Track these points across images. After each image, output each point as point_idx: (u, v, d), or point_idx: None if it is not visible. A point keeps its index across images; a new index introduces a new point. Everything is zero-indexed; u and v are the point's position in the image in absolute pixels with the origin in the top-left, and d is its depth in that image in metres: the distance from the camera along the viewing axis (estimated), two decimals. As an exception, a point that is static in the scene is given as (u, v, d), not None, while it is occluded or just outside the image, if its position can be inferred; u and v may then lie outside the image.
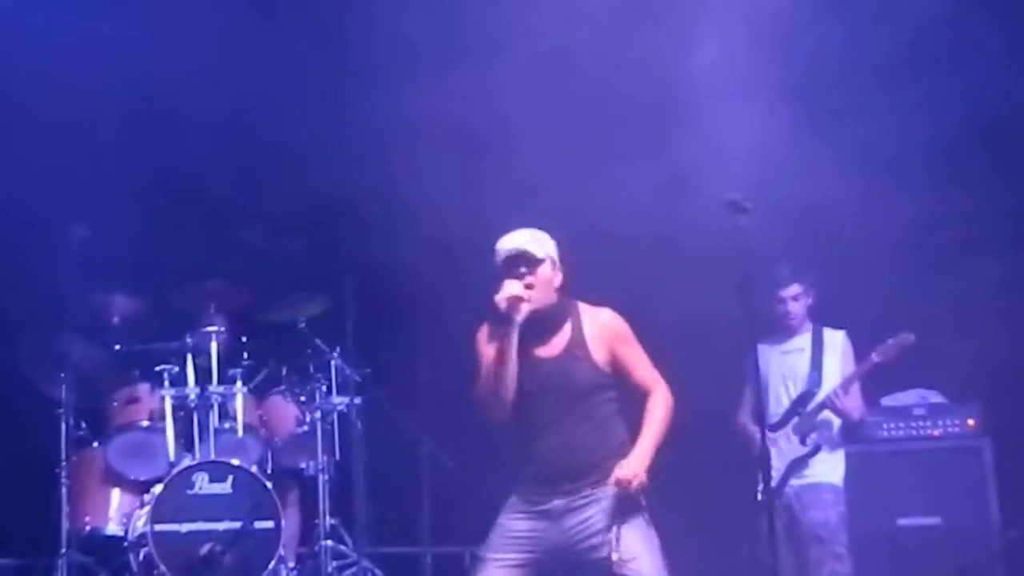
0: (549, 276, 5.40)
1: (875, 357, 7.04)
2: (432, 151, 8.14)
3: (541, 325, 5.38)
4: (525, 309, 5.26)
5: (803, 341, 7.21)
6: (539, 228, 5.52)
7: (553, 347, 5.41)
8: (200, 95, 8.19)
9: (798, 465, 7.00)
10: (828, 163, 7.80)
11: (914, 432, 7.86)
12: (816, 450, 7.02)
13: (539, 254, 5.37)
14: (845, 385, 7.04)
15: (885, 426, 7.97)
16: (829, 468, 7.07)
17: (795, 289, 7.19)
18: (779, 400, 7.14)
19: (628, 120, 7.76)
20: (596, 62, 7.79)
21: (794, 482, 7.00)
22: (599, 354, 5.40)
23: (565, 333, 5.41)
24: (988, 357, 7.56)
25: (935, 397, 8.03)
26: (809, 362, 7.13)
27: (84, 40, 7.77)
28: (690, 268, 7.38)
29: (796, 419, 7.06)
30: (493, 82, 7.72)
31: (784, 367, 7.17)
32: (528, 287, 5.29)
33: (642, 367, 5.47)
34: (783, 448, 7.02)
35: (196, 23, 7.96)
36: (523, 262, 5.34)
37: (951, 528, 7.83)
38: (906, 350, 7.02)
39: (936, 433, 8.04)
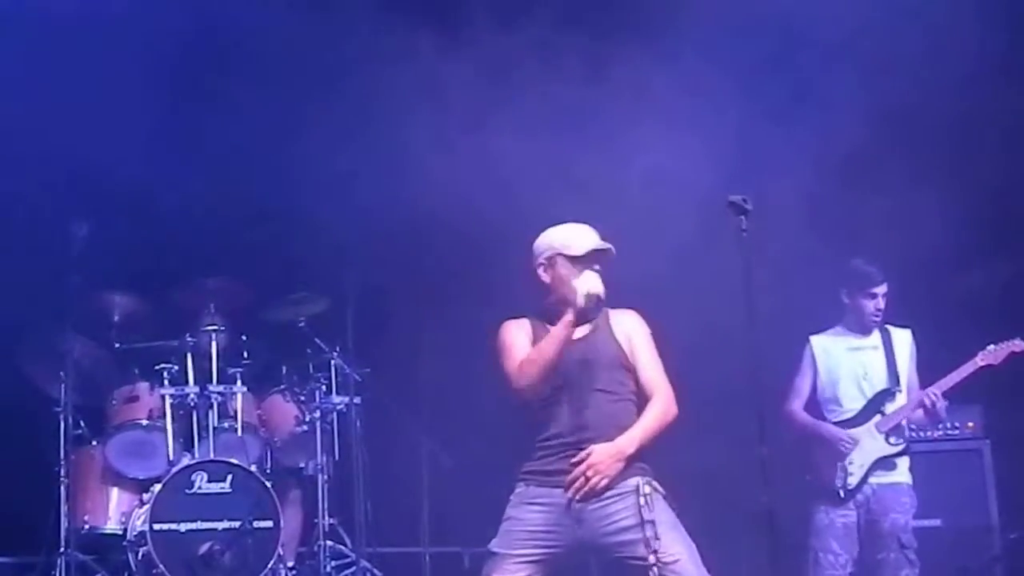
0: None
1: (980, 360, 7.04)
2: (432, 150, 8.13)
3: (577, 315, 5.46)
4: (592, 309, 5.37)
5: (875, 339, 7.17)
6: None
7: (579, 332, 5.44)
8: (213, 96, 8.21)
9: (882, 464, 6.98)
10: (819, 160, 7.84)
11: (914, 434, 7.85)
12: (906, 450, 7.03)
13: (612, 254, 5.46)
14: (943, 385, 7.03)
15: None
16: (906, 469, 7.07)
17: (885, 287, 7.17)
18: (853, 396, 7.11)
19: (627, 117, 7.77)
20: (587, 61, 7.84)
21: (872, 480, 6.98)
22: (622, 340, 5.47)
23: (593, 323, 5.49)
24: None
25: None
26: (885, 360, 7.12)
27: (83, 34, 7.77)
28: (691, 271, 7.40)
29: (879, 417, 7.03)
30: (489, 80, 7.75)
31: (857, 363, 7.14)
32: (599, 300, 5.37)
33: (652, 368, 5.49)
34: (866, 445, 6.99)
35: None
36: (602, 259, 5.42)
37: (951, 529, 7.85)
38: (1014, 356, 7.05)
39: (936, 435, 8.05)
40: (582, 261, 5.40)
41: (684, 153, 7.48)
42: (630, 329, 5.52)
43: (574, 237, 5.46)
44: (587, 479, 5.23)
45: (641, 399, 5.45)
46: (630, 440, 5.30)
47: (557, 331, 5.33)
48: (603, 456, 5.24)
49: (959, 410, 8.00)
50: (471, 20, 7.95)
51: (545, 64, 7.72)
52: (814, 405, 7.17)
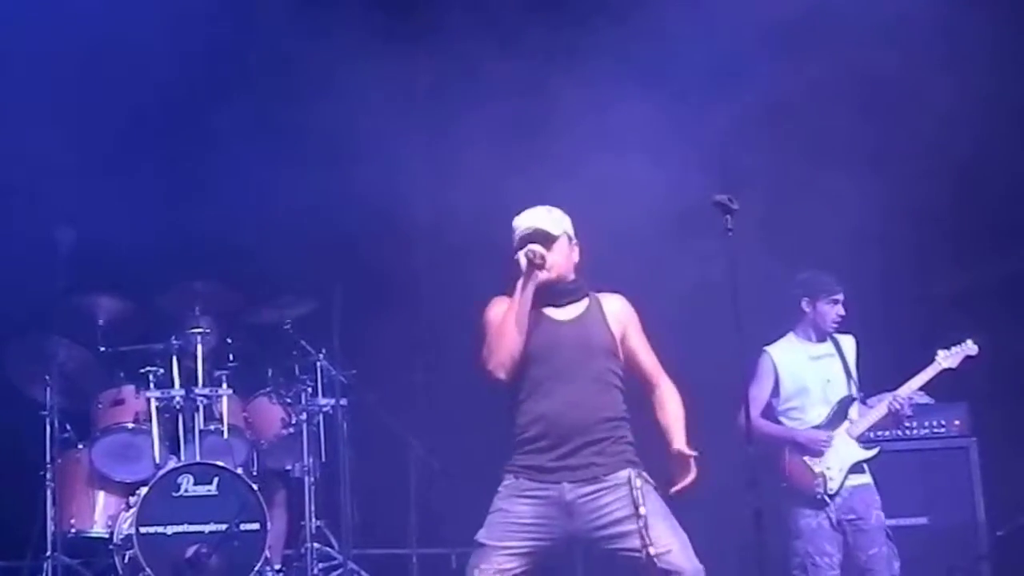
0: (567, 251, 5.46)
1: (942, 363, 7.15)
2: (423, 151, 8.14)
3: (560, 295, 5.44)
4: (544, 272, 5.32)
5: (829, 346, 7.24)
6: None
7: (570, 313, 5.45)
8: (197, 100, 8.19)
9: (857, 467, 7.08)
10: (809, 159, 7.86)
11: (901, 433, 7.86)
12: (880, 453, 7.15)
13: (555, 231, 5.41)
14: (907, 390, 7.14)
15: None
16: (869, 470, 7.17)
17: (842, 295, 7.23)
18: (819, 404, 7.17)
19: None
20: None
21: (847, 484, 7.06)
22: (615, 329, 5.45)
23: (582, 304, 5.48)
24: (975, 358, 7.57)
25: (922, 398, 8.00)
26: (842, 366, 7.20)
27: (70, 41, 7.76)
28: (664, 273, 7.43)
29: (848, 423, 7.12)
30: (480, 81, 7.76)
31: (821, 371, 7.19)
32: (543, 258, 5.33)
33: (649, 356, 5.52)
34: (842, 450, 7.06)
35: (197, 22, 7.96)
36: (539, 239, 5.37)
37: (938, 528, 7.87)
38: (969, 358, 7.17)
39: (923, 434, 8.07)
40: (523, 247, 5.36)
41: (645, 159, 7.51)
42: (621, 316, 5.51)
43: (520, 221, 5.45)
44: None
45: (639, 386, 5.46)
46: (682, 440, 5.36)
47: (515, 298, 5.31)
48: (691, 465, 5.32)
49: (945, 408, 8.03)
50: (446, 27, 7.98)
51: (521, 70, 7.76)
52: (768, 413, 7.18)
